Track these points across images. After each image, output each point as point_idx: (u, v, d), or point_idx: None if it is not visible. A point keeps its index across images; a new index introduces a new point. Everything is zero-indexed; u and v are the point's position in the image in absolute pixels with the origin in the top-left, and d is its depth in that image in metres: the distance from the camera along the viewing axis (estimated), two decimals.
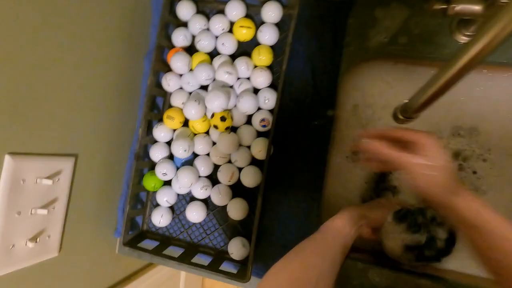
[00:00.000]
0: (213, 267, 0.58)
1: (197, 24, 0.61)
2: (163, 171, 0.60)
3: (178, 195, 0.64)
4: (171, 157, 0.64)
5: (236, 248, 0.59)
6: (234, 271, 0.58)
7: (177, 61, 0.60)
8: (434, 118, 0.61)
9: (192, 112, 0.56)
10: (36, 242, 0.50)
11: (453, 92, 0.58)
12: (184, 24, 0.63)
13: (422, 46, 0.57)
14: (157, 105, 0.66)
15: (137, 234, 0.64)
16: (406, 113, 0.41)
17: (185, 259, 0.59)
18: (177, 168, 0.62)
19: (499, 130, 0.58)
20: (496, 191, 0.58)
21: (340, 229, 0.44)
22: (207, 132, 0.62)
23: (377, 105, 0.65)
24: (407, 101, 0.40)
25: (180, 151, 0.59)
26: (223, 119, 0.56)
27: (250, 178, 0.59)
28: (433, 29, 0.56)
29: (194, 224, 0.64)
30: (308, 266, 0.39)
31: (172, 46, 0.63)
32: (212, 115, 0.58)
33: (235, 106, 0.59)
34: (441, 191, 0.37)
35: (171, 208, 0.65)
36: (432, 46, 0.56)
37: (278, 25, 0.61)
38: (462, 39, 0.54)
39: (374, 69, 0.63)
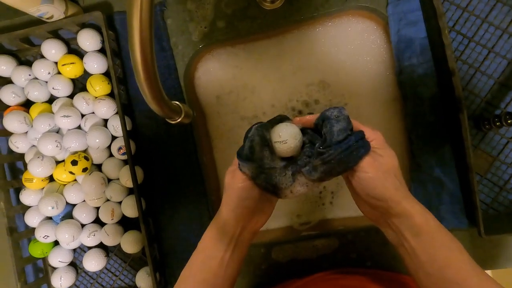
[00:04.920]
0: None
1: (21, 76, 0.58)
2: (43, 234, 0.58)
3: (74, 250, 0.62)
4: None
5: (143, 279, 0.58)
6: None
7: (10, 122, 0.56)
8: (291, 84, 0.62)
9: (37, 170, 0.54)
10: None
11: (295, 57, 0.60)
12: (10, 81, 0.60)
13: (240, 24, 0.57)
14: (21, 170, 0.63)
15: None
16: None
17: None
18: None
19: (340, 77, 0.60)
20: None
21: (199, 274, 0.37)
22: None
23: (237, 88, 0.64)
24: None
25: (48, 209, 0.56)
26: (74, 163, 0.54)
27: (131, 208, 0.57)
28: (243, 5, 0.56)
29: (101, 271, 0.62)
30: None
31: (6, 107, 0.60)
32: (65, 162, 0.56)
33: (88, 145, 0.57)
34: (392, 192, 0.32)
35: (72, 265, 0.62)
36: (249, 21, 0.56)
37: (104, 50, 0.59)
38: (268, 6, 0.54)
39: (218, 58, 0.63)
